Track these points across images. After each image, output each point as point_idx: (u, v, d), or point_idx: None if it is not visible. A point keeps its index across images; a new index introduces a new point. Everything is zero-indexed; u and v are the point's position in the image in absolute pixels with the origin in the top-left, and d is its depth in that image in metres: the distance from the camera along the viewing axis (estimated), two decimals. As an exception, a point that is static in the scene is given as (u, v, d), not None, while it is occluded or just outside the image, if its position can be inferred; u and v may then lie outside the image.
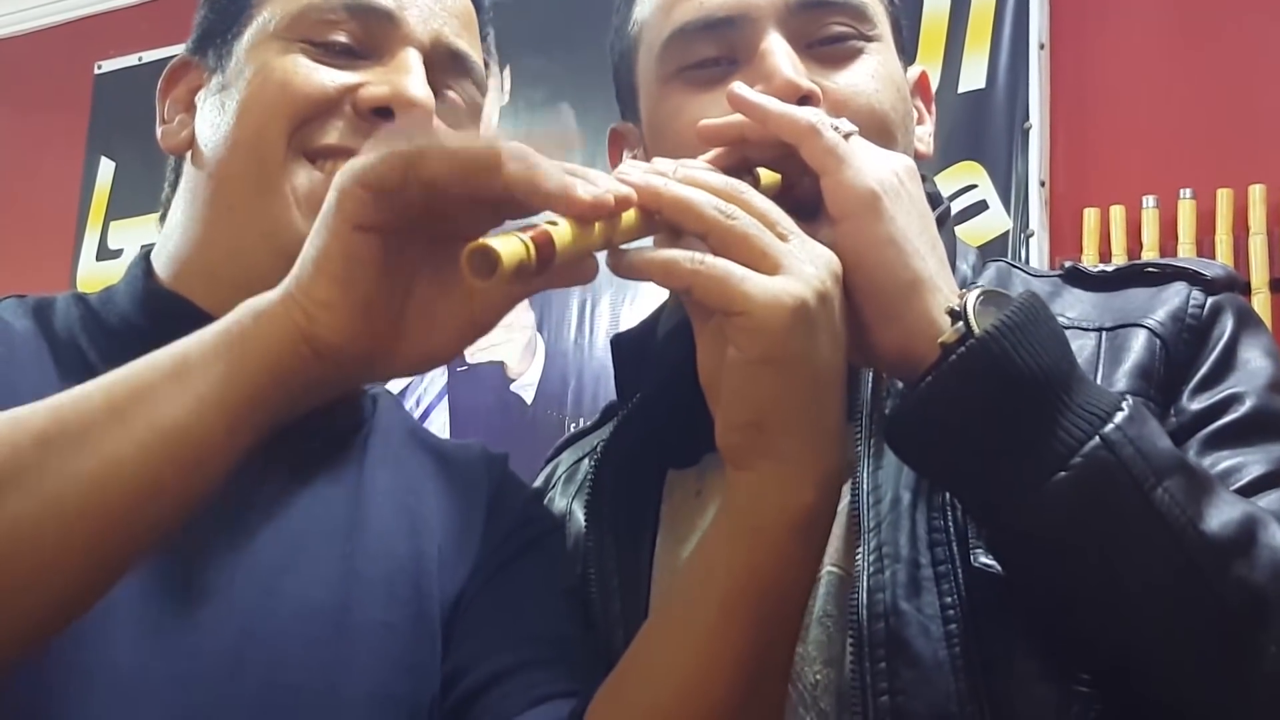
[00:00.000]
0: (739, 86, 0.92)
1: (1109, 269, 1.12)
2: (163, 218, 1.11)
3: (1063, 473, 0.83)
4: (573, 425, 3.29)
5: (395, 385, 3.47)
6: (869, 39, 1.09)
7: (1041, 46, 2.97)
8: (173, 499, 0.76)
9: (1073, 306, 1.08)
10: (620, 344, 1.22)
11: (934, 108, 1.21)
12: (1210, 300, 1.05)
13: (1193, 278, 1.06)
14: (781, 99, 0.95)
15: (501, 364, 3.49)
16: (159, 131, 1.08)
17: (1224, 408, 1.00)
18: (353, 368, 0.78)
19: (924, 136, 1.16)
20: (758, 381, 0.78)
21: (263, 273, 0.96)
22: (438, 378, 3.54)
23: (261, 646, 0.95)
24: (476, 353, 3.52)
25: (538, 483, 1.25)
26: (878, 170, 0.88)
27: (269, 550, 0.98)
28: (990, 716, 0.93)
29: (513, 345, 3.48)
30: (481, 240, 0.69)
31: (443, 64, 1.05)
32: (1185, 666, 0.86)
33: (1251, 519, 0.86)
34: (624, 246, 0.79)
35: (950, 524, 0.98)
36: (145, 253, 1.09)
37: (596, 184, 0.76)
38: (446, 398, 3.52)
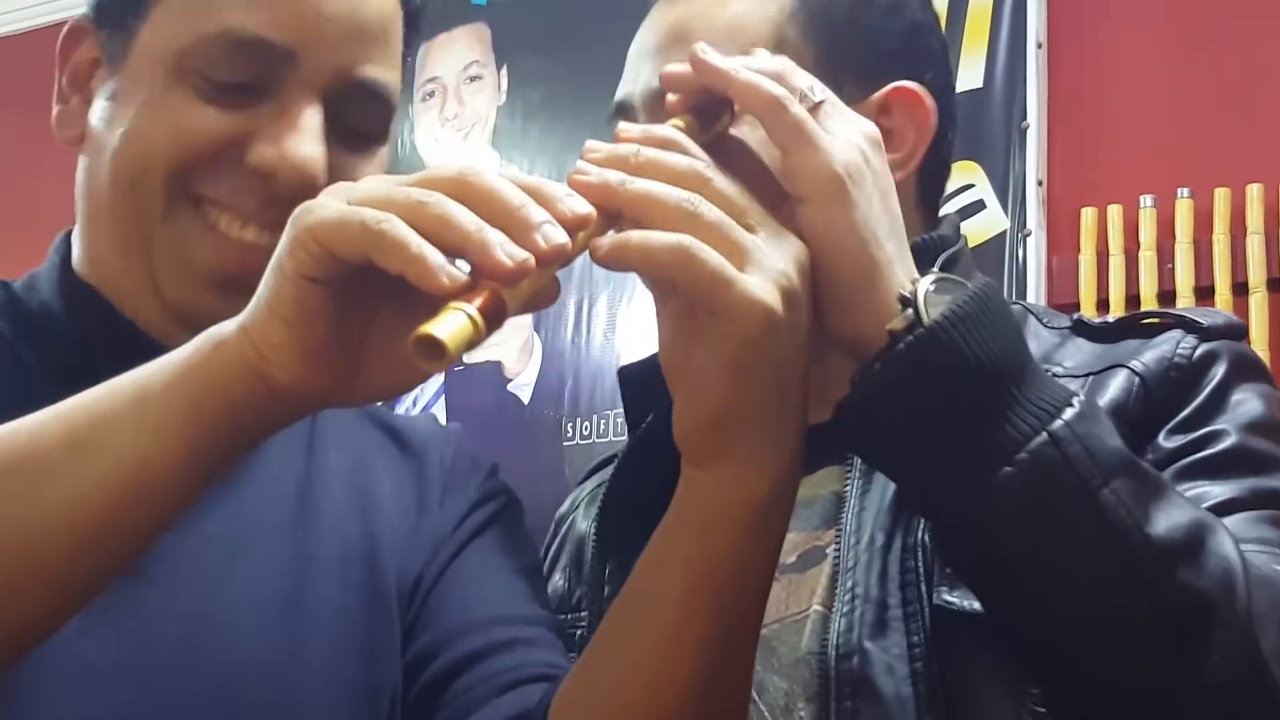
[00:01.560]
0: (702, 49, 0.86)
1: (1110, 320, 1.11)
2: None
3: (1008, 468, 0.80)
4: (569, 425, 3.29)
5: (392, 385, 3.48)
6: None
7: (1039, 46, 2.97)
8: (135, 531, 0.76)
9: (1072, 356, 1.07)
10: (627, 376, 1.22)
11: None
12: (1204, 346, 1.03)
13: (1189, 325, 1.05)
14: None
15: (498, 364, 3.49)
16: (54, 110, 1.03)
17: (1202, 443, 0.99)
18: (308, 403, 0.76)
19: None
20: (721, 383, 0.77)
21: (169, 290, 0.96)
22: (435, 378, 3.54)
23: (213, 631, 0.94)
24: (473, 352, 3.52)
25: (563, 508, 1.26)
26: (844, 151, 0.84)
27: (219, 534, 0.97)
28: None
29: (509, 345, 3.48)
30: (424, 330, 0.66)
31: (345, 96, 0.99)
32: (1128, 672, 0.84)
33: (1201, 525, 0.84)
34: (599, 241, 0.76)
35: (920, 565, 0.98)
36: (67, 235, 1.05)
37: (557, 210, 0.72)
38: (444, 397, 3.52)
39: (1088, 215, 2.88)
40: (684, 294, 0.76)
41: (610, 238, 0.76)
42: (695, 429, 0.80)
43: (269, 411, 0.75)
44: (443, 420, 3.38)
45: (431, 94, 3.78)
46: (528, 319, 3.47)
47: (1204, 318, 1.06)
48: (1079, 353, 1.08)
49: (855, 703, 0.95)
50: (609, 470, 1.23)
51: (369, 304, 0.75)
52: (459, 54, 3.75)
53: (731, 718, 0.88)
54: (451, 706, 0.98)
